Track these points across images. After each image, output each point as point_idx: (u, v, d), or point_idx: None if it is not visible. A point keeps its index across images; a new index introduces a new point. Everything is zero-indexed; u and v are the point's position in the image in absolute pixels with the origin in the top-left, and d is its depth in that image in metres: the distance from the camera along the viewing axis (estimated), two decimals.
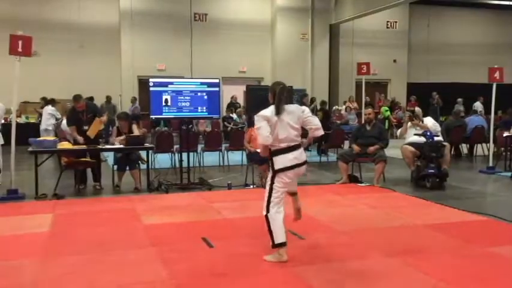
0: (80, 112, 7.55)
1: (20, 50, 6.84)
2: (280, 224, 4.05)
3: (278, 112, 4.04)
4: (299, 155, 4.10)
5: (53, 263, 4.13)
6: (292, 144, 4.08)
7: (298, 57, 18.71)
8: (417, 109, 8.81)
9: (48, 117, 11.64)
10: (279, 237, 4.03)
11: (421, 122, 8.21)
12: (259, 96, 9.16)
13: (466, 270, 3.96)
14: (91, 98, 12.73)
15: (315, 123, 4.22)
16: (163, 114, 7.58)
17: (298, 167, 4.11)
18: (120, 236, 4.93)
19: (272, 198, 4.05)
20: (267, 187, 4.12)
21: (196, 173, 8.60)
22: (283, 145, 4.04)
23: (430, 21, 21.05)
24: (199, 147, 10.04)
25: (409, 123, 8.34)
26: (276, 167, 4.04)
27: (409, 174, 8.23)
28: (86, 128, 7.49)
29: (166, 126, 14.37)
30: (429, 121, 8.32)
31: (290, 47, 18.62)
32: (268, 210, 4.05)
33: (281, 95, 4.07)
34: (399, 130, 8.97)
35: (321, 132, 4.27)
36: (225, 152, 10.06)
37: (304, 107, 4.34)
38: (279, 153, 4.05)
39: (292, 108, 4.18)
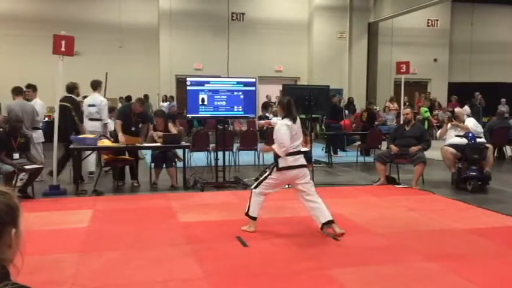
0: (133, 113, 7.74)
1: (63, 49, 7.03)
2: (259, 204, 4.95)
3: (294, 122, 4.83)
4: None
5: (92, 258, 4.22)
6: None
7: (335, 57, 18.52)
8: (458, 109, 8.51)
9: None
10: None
11: (462, 123, 7.94)
12: (295, 95, 9.10)
13: (510, 277, 3.80)
14: (128, 97, 12.97)
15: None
16: (200, 113, 7.63)
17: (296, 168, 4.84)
18: (157, 233, 5.00)
19: (263, 182, 4.89)
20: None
21: (231, 171, 8.63)
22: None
23: (474, 19, 20.41)
24: (235, 146, 10.07)
25: (449, 125, 8.09)
26: (280, 165, 4.78)
27: (449, 176, 7.99)
28: (133, 129, 7.71)
29: (201, 125, 14.43)
30: (470, 122, 8.04)
31: (327, 46, 18.45)
32: (255, 187, 4.94)
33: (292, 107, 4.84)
34: (439, 131, 8.73)
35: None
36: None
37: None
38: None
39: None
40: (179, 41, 17.55)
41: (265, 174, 4.92)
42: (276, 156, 4.81)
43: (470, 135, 7.58)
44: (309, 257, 4.22)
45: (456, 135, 7.82)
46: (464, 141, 7.61)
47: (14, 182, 6.42)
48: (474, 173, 7.37)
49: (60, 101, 7.87)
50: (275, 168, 4.80)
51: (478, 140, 7.65)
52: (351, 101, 16.01)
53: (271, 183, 4.90)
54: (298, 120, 4.87)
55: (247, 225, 5.03)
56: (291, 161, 4.76)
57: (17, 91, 7.82)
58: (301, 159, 4.85)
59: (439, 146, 8.35)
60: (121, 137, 7.47)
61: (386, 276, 3.79)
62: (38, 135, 7.98)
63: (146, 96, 16.54)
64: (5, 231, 1.23)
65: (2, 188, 1.29)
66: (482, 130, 8.24)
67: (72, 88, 8.25)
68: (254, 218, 4.98)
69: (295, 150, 4.78)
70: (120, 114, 7.96)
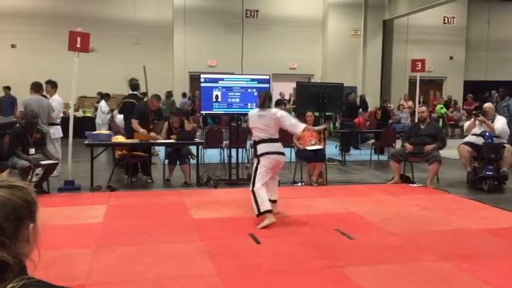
0: (149, 110, 7.71)
1: (78, 46, 7.08)
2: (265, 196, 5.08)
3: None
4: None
5: (105, 253, 4.25)
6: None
7: (349, 54, 18.40)
8: (487, 105, 8.08)
9: (100, 112, 12.08)
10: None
11: (490, 121, 7.65)
12: (309, 92, 9.08)
13: None
14: (144, 94, 13.02)
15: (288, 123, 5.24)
16: (214, 110, 7.63)
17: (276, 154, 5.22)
18: (170, 229, 5.02)
19: (258, 176, 5.09)
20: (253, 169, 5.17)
21: (244, 169, 8.64)
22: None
23: (490, 16, 20.12)
24: (248, 143, 10.07)
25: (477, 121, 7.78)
26: (259, 152, 5.18)
27: (464, 175, 7.89)
28: (151, 126, 7.68)
29: (215, 123, 14.38)
30: (499, 122, 7.65)
31: (341, 44, 18.34)
32: (253, 186, 5.06)
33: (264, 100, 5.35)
34: (467, 123, 8.36)
35: (295, 130, 5.32)
36: None
37: (276, 110, 5.44)
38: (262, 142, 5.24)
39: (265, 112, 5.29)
40: (193, 38, 17.59)
41: (254, 169, 5.14)
42: (254, 146, 5.29)
43: (487, 134, 7.45)
44: (322, 254, 4.21)
45: (473, 134, 7.68)
46: (481, 140, 7.47)
47: (29, 177, 6.50)
48: (491, 173, 7.27)
49: (126, 98, 8.36)
50: (259, 156, 5.18)
51: (496, 140, 7.44)
52: (363, 99, 15.85)
53: (263, 170, 5.16)
54: (271, 111, 5.32)
55: (264, 221, 5.03)
56: (265, 146, 5.19)
57: (35, 86, 7.84)
58: (276, 145, 5.26)
59: (454, 144, 8.25)
60: (143, 131, 7.45)
61: (399, 275, 3.76)
62: (55, 131, 8.03)
63: (168, 93, 16.54)
64: (23, 225, 1.24)
65: (20, 183, 1.30)
66: (509, 133, 7.77)
67: (136, 86, 8.64)
68: (269, 211, 5.06)
69: (267, 137, 5.22)
70: (138, 113, 7.77)
